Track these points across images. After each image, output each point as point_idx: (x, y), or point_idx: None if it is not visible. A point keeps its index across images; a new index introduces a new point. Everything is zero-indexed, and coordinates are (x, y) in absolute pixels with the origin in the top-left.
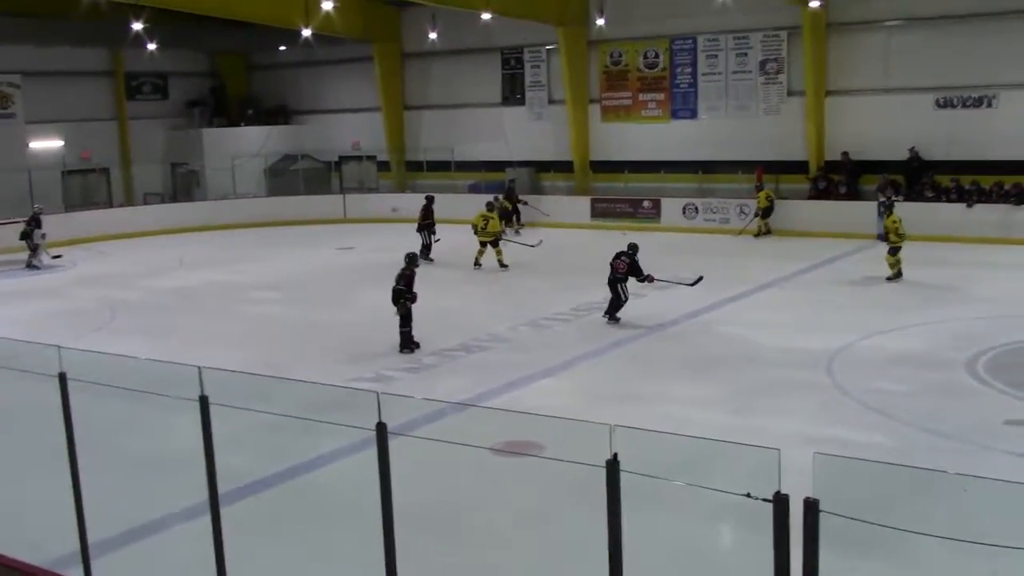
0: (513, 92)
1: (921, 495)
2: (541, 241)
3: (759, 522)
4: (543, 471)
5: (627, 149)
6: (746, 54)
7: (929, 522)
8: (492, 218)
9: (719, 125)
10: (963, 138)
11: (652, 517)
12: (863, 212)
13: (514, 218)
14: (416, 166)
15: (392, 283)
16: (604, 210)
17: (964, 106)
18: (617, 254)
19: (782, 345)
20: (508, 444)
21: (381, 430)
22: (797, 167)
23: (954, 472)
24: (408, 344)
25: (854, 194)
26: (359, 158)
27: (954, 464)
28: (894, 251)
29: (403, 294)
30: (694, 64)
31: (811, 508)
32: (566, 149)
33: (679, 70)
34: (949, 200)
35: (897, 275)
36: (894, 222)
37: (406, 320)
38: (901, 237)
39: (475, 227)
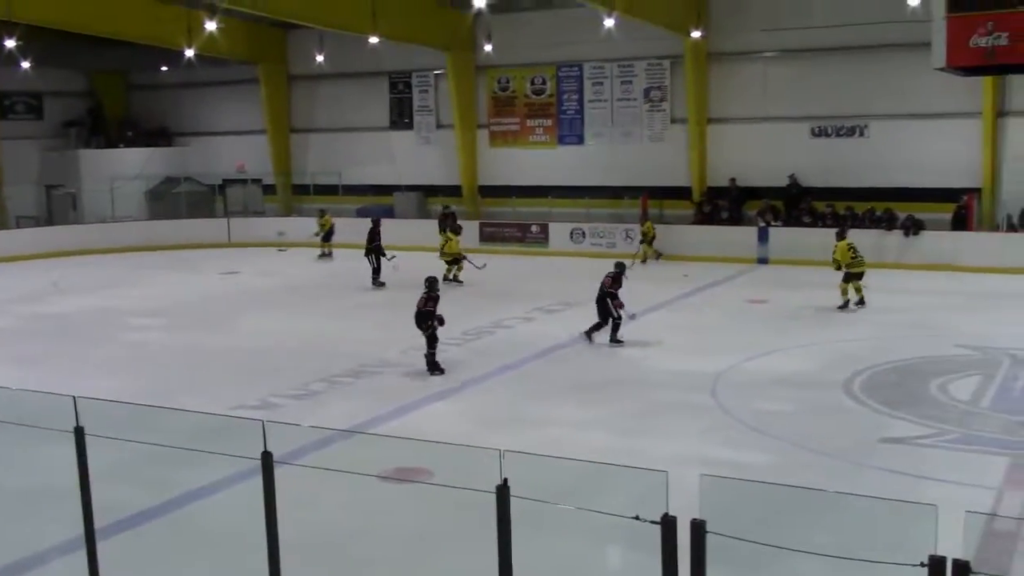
0: (401, 116)
1: (802, 513)
2: (485, 264)
3: (648, 543)
4: (434, 497)
5: (515, 174)
6: (631, 82)
7: (810, 539)
8: (450, 239)
9: (605, 151)
10: (838, 166)
11: (542, 541)
12: (745, 236)
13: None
14: (303, 189)
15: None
16: (492, 234)
17: (838, 135)
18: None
19: (669, 368)
20: (397, 471)
21: (266, 459)
22: (682, 192)
23: (832, 490)
24: (433, 367)
25: (737, 219)
26: (244, 181)
27: (833, 482)
28: (848, 278)
29: (429, 317)
30: (580, 91)
31: (698, 529)
32: (455, 173)
33: (566, 96)
34: (825, 225)
35: (850, 303)
36: (848, 248)
37: (431, 343)
38: (857, 263)
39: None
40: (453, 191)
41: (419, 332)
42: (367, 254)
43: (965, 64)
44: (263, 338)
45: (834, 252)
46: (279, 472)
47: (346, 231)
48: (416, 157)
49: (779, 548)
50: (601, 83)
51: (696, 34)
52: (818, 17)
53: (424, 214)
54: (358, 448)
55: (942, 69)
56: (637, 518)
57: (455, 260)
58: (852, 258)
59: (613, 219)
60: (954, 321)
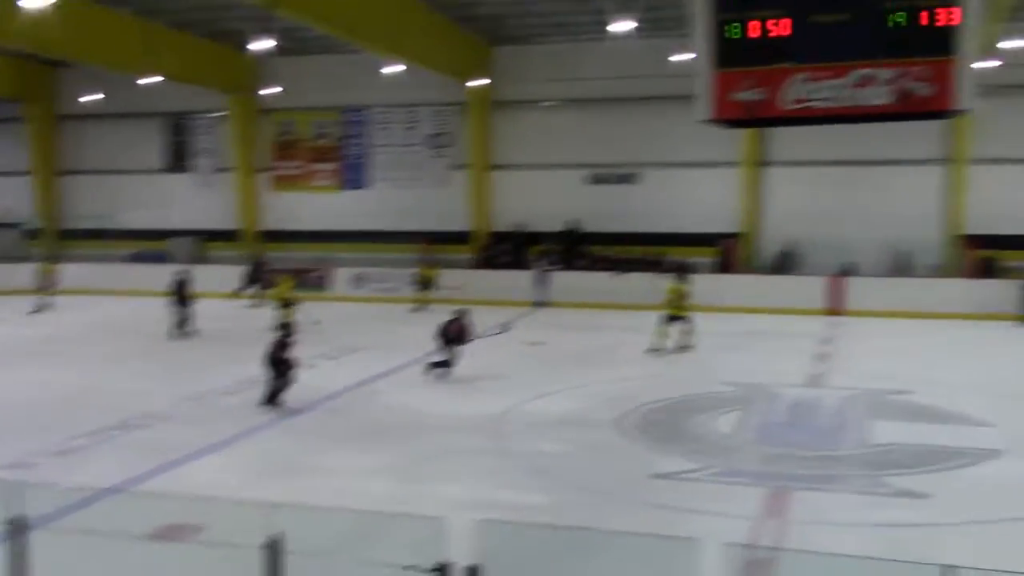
0: (179, 159)
1: (577, 552)
2: (319, 321)
3: None
4: (206, 554)
5: (298, 218)
6: (415, 127)
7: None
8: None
9: (390, 196)
10: (613, 212)
11: None
12: (525, 280)
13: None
14: (71, 234)
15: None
16: (271, 280)
17: (612, 182)
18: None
19: (448, 412)
20: (167, 529)
21: (16, 525)
22: (465, 237)
23: (606, 528)
24: (273, 400)
25: (519, 264)
26: (5, 226)
27: (608, 519)
28: (671, 319)
29: (280, 363)
30: (365, 135)
31: (472, 575)
32: (235, 218)
33: (350, 141)
34: (601, 269)
35: (662, 348)
36: (674, 291)
37: (284, 385)
38: (682, 309)
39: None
40: (234, 236)
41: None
42: (174, 304)
43: (728, 117)
44: (22, 391)
45: (677, 296)
46: (33, 538)
47: (117, 278)
48: (195, 201)
49: None
50: (386, 128)
51: (479, 83)
52: (594, 69)
53: (201, 259)
54: (124, 507)
55: (707, 121)
56: (414, 568)
57: (287, 304)
58: (678, 302)
59: (397, 264)
60: (719, 359)
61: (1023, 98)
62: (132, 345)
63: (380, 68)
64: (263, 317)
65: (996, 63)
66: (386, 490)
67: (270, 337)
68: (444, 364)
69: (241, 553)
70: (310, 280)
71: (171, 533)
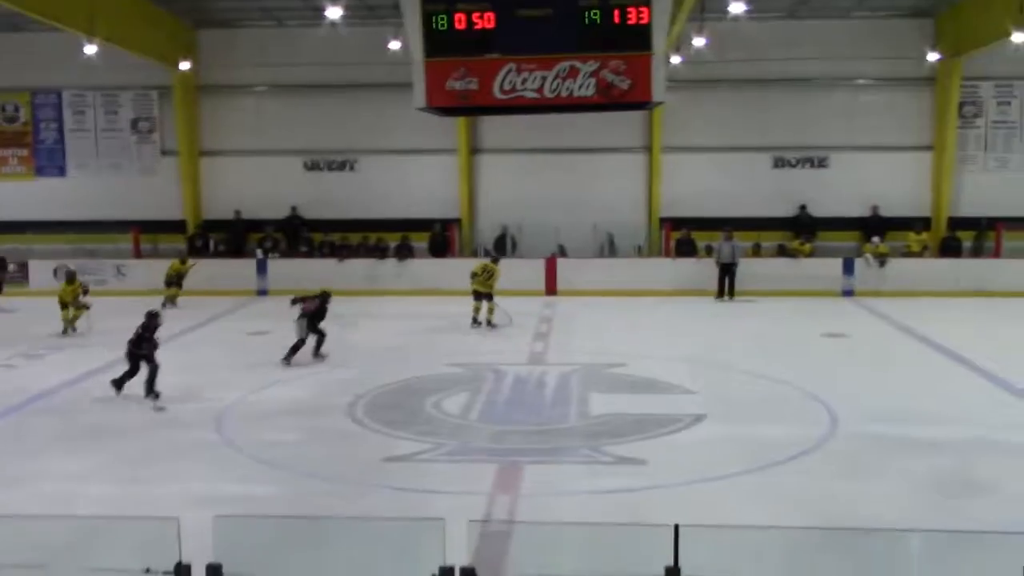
0: None
1: (318, 542)
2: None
3: None
4: None
5: None
6: (116, 112)
7: (328, 567)
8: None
9: (92, 183)
10: (331, 198)
11: None
12: (245, 269)
13: None
14: None
15: None
16: None
17: (330, 169)
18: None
19: (168, 407)
20: None
21: None
22: (175, 226)
23: (344, 515)
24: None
25: (240, 252)
26: None
27: (346, 506)
28: (477, 296)
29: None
30: (60, 119)
31: (214, 573)
32: None
33: (43, 125)
34: (322, 255)
35: (480, 321)
36: (483, 269)
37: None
38: (488, 287)
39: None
40: None
41: None
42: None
43: (443, 105)
44: None
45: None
46: None
47: None
48: None
49: None
50: (83, 112)
51: (184, 66)
52: (308, 55)
53: None
54: None
55: (423, 109)
56: (148, 571)
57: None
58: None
59: (105, 255)
60: (443, 341)
61: (705, 92)
62: None
63: (75, 48)
64: None
65: (682, 60)
66: (106, 493)
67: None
68: (298, 346)
69: None
70: (5, 275)
71: None
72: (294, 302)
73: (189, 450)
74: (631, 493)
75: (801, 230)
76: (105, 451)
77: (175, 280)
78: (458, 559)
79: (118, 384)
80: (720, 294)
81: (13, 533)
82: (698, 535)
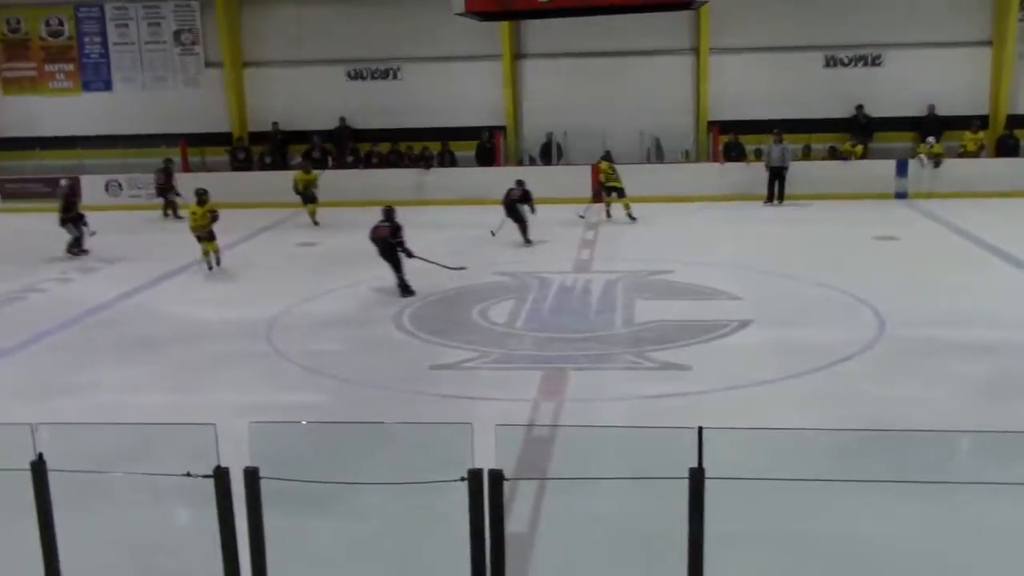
0: None
1: (357, 447)
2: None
3: (206, 498)
4: None
5: (36, 124)
6: (159, 24)
7: (365, 471)
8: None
9: (136, 97)
10: (375, 108)
11: (92, 514)
12: (287, 181)
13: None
14: None
15: None
16: (16, 191)
17: (373, 78)
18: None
19: (220, 318)
20: None
21: None
22: (222, 139)
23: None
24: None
25: (281, 164)
26: None
27: (388, 413)
28: (608, 192)
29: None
30: (103, 33)
31: (251, 476)
32: None
33: (87, 39)
34: (370, 166)
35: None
36: (609, 167)
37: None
38: (614, 179)
39: None
40: None
41: None
42: (63, 223)
43: (482, 9)
44: None
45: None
46: None
47: None
48: None
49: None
50: (126, 25)
51: None
52: None
53: None
54: None
55: (462, 14)
56: (188, 474)
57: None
58: (610, 175)
59: (152, 169)
60: (488, 250)
61: None
62: None
63: None
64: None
65: None
66: (157, 402)
67: None
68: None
69: (9, 478)
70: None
71: None
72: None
73: (238, 360)
74: (673, 398)
75: (857, 131)
76: (157, 362)
77: (305, 193)
78: (490, 462)
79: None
80: (770, 198)
81: (71, 439)
82: (724, 437)
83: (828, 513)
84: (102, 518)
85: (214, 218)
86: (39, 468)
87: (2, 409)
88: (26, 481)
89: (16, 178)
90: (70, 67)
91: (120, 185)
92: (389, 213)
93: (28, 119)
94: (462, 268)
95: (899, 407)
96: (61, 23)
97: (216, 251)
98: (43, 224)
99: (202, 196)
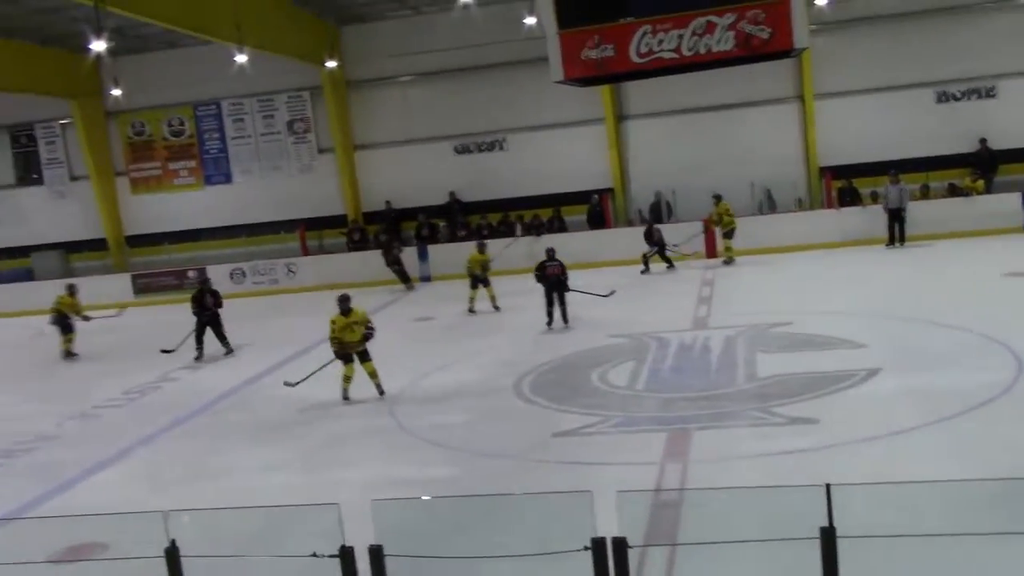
0: (29, 171)
1: (481, 519)
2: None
3: None
4: (111, 571)
5: (163, 220)
6: (273, 115)
7: (494, 542)
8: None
9: (255, 187)
10: (483, 180)
11: None
12: (404, 257)
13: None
14: None
15: None
16: (147, 285)
17: (480, 151)
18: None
19: (341, 398)
20: (68, 551)
21: None
22: (338, 221)
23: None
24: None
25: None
26: None
27: (513, 483)
28: (729, 234)
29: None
30: (222, 128)
31: (375, 554)
32: (97, 226)
33: (207, 135)
34: (482, 238)
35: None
36: (722, 209)
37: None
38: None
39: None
40: (98, 244)
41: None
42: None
43: (580, 75)
44: None
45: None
46: None
47: None
48: (52, 213)
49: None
50: (242, 119)
51: (331, 64)
52: (442, 40)
53: (68, 272)
54: (23, 534)
55: (562, 82)
56: (315, 555)
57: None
58: (728, 217)
59: (273, 255)
60: (603, 313)
61: (855, 31)
62: (6, 367)
63: (229, 59)
64: (134, 328)
65: (827, 1)
66: (287, 483)
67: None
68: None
69: (149, 565)
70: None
71: (73, 554)
72: None
73: (364, 437)
74: (803, 454)
75: (981, 165)
76: (288, 443)
77: (480, 276)
78: (612, 530)
79: None
80: (891, 241)
81: (205, 524)
82: (858, 493)
83: (977, 570)
84: None
85: (368, 334)
86: (173, 555)
87: (143, 497)
88: (162, 568)
89: (147, 273)
90: (192, 163)
91: (244, 273)
92: (553, 253)
93: (155, 215)
94: (612, 292)
95: None
96: (182, 122)
97: (375, 376)
98: (173, 316)
99: (345, 304)
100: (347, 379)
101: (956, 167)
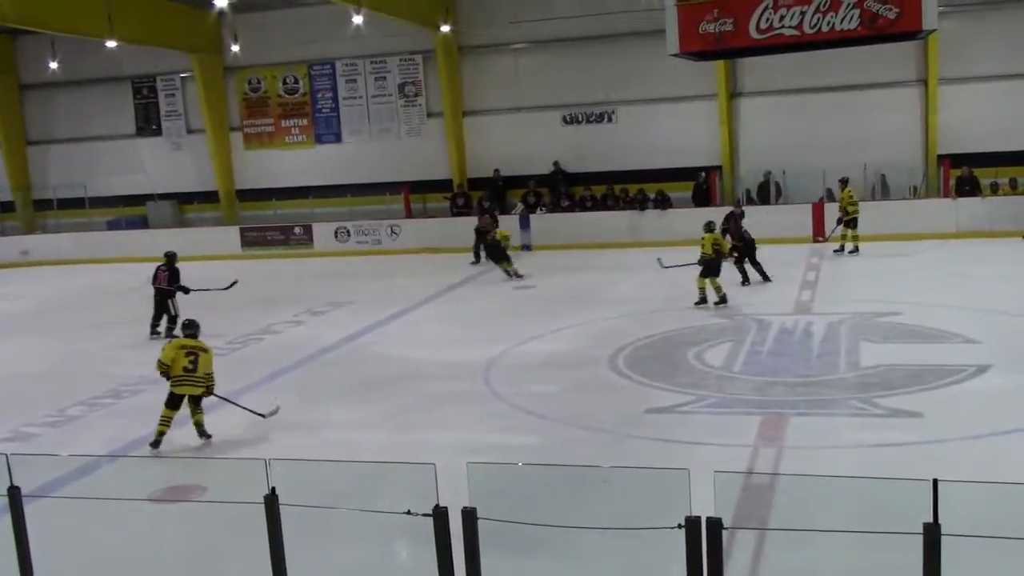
0: (148, 122)
1: (572, 489)
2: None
3: (425, 536)
4: (208, 513)
5: (273, 176)
6: (384, 78)
7: (581, 513)
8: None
9: (363, 148)
10: (590, 151)
11: (321, 547)
12: (507, 225)
13: None
14: (46, 205)
15: None
16: (255, 239)
17: (588, 122)
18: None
19: (440, 360)
20: (168, 492)
21: (13, 495)
22: (443, 186)
23: (608, 465)
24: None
25: (501, 210)
26: None
27: (603, 455)
28: (849, 224)
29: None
30: (334, 89)
31: (468, 517)
32: (210, 179)
33: (320, 95)
34: (584, 209)
35: (845, 248)
36: (849, 195)
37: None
38: (855, 210)
39: None
40: (210, 197)
41: None
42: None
43: (696, 49)
44: (8, 364)
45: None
46: (33, 507)
47: (96, 246)
48: (167, 164)
49: (544, 526)
50: (355, 80)
51: (445, 28)
52: (561, 8)
53: (180, 222)
54: (125, 472)
55: (676, 55)
56: (408, 512)
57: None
58: (851, 204)
59: (377, 216)
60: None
61: (987, 14)
62: (117, 312)
63: (345, 19)
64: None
65: None
66: (379, 440)
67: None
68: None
69: (245, 509)
70: (294, 237)
71: (173, 495)
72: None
73: (457, 401)
74: (903, 447)
75: None
76: (381, 402)
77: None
78: (709, 510)
79: None
80: None
81: (303, 475)
82: (963, 490)
83: None
84: (328, 552)
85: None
86: (272, 502)
87: (241, 445)
88: (261, 513)
89: (255, 227)
90: (304, 122)
91: (348, 232)
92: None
93: (266, 171)
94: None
95: None
96: (297, 81)
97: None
98: (279, 268)
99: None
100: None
101: None
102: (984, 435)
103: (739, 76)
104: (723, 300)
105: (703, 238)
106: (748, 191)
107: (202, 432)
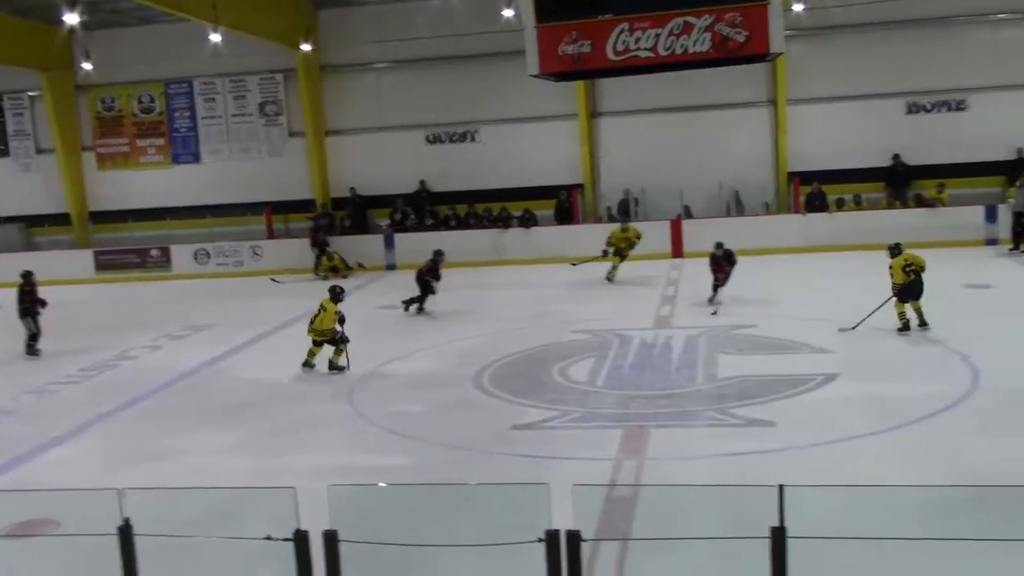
0: None
1: (437, 509)
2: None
3: (289, 561)
4: (63, 548)
5: (129, 197)
6: (244, 96)
7: (448, 532)
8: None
9: (224, 168)
10: (454, 170)
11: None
12: (371, 244)
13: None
14: None
15: None
16: (109, 262)
17: (451, 141)
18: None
19: (304, 382)
20: (21, 526)
21: None
22: (306, 206)
23: (473, 482)
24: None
25: (361, 228)
26: None
27: (470, 474)
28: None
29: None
30: (192, 107)
31: (330, 540)
32: (61, 201)
33: (177, 114)
34: (448, 228)
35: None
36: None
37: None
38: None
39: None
40: (61, 219)
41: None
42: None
43: (556, 70)
44: None
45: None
46: None
47: None
48: (15, 185)
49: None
50: (213, 99)
51: (306, 47)
52: (423, 28)
53: (29, 246)
54: None
55: (537, 75)
56: (269, 538)
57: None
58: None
59: (239, 237)
60: (568, 309)
61: (830, 39)
62: None
63: (202, 37)
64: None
65: (804, 8)
66: (246, 466)
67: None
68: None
69: (102, 542)
70: (151, 259)
71: (25, 529)
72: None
73: (323, 423)
74: (759, 456)
75: (895, 181)
76: (246, 426)
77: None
78: (570, 523)
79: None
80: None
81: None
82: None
83: (914, 572)
84: None
85: (341, 320)
86: (126, 532)
87: (97, 474)
88: (114, 546)
89: (109, 250)
90: (160, 141)
91: (208, 253)
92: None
93: (120, 192)
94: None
95: (997, 461)
96: (152, 99)
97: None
98: (136, 292)
99: (339, 295)
100: (312, 354)
101: (924, 178)
102: (833, 441)
103: (599, 96)
104: (923, 324)
105: (890, 265)
106: (609, 208)
107: (332, 365)
